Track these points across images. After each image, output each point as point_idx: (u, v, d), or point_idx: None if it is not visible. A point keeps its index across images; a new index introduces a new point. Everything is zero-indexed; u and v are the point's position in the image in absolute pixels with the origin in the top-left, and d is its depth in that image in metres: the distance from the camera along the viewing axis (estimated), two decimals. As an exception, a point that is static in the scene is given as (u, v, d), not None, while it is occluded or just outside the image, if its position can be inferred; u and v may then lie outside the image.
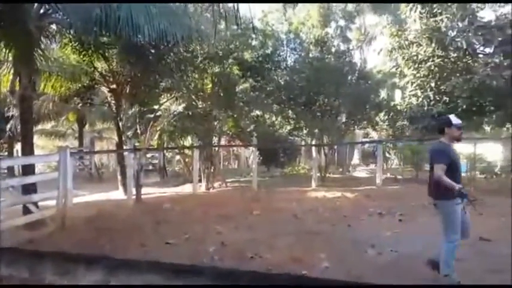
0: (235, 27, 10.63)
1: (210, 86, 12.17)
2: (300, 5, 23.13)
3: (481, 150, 12.98)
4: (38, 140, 18.76)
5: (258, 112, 13.81)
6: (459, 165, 4.22)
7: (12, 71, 8.15)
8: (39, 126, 18.08)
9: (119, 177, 11.21)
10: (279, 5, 23.82)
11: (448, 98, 11.10)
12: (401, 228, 6.29)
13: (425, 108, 11.33)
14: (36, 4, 7.44)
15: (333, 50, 13.63)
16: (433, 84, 11.26)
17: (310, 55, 13.19)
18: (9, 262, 1.22)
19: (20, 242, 5.38)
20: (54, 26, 8.43)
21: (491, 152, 13.77)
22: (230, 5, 6.98)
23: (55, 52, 10.35)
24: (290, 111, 13.18)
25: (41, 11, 7.62)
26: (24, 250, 1.50)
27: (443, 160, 3.96)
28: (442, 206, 4.01)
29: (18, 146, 17.73)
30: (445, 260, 3.94)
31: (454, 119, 4.17)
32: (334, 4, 22.75)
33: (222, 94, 11.89)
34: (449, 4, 10.93)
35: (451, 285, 3.89)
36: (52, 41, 9.03)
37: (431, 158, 4.19)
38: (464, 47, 10.38)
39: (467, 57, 11.01)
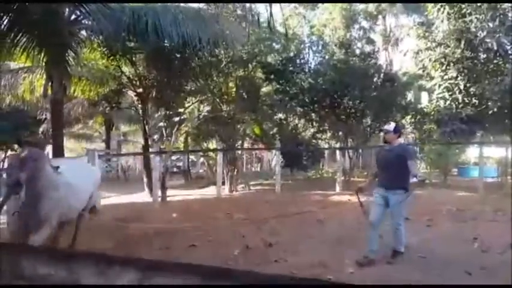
0: (257, 30, 10.70)
1: (234, 89, 12.26)
2: (322, 7, 23.02)
3: (513, 155, 12.51)
4: (67, 143, 19.32)
5: (281, 115, 13.80)
6: (384, 164, 4.99)
7: (44, 76, 8.45)
8: (68, 129, 18.64)
9: (145, 180, 11.40)
10: (300, 9, 23.80)
11: (477, 101, 10.78)
12: (430, 233, 6.14)
13: (454, 111, 11.03)
14: (67, 11, 7.71)
15: (358, 52, 13.47)
16: (461, 87, 10.95)
17: (334, 57, 13.07)
18: (45, 261, 1.26)
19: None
20: (84, 32, 8.70)
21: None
22: (261, 9, 7.03)
23: (84, 57, 10.67)
24: (313, 114, 13.09)
25: (72, 17, 7.89)
26: (59, 250, 1.55)
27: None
28: None
29: (48, 148, 18.34)
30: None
31: (386, 125, 5.15)
32: (356, 5, 22.51)
33: (245, 97, 11.95)
34: (479, 4, 10.61)
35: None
36: (82, 46, 9.32)
37: None
38: (495, 48, 10.07)
39: (498, 58, 10.66)
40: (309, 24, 22.07)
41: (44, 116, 14.21)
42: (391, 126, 5.02)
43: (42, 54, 7.71)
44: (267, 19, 6.38)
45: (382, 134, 5.19)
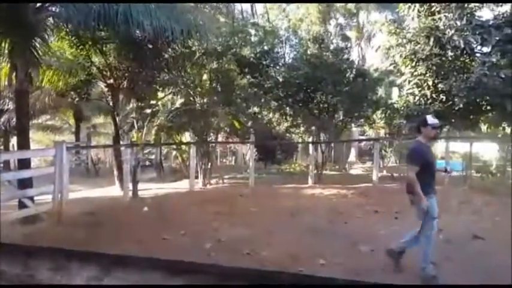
0: (235, 23, 10.62)
1: (208, 82, 12.14)
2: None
3: (477, 149, 13.02)
4: (33, 135, 18.64)
5: (255, 109, 13.79)
6: (433, 165, 4.35)
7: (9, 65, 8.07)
8: (35, 121, 17.99)
9: (116, 173, 11.18)
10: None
11: (445, 97, 11.10)
12: (398, 225, 6.30)
13: (423, 106, 11.32)
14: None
15: (331, 47, 13.60)
16: (430, 83, 11.25)
17: (309, 52, 13.16)
18: (3, 257, 1.21)
19: (15, 236, 5.36)
20: (51, 19, 8.36)
21: (487, 151, 13.83)
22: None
23: (52, 46, 10.28)
24: (288, 108, 13.17)
25: (38, 4, 7.56)
26: (18, 245, 1.48)
27: (415, 162, 4.16)
28: (417, 202, 4.21)
29: (14, 140, 17.67)
30: (424, 253, 4.16)
31: (430, 118, 4.30)
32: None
33: (220, 90, 11.86)
34: (447, 3, 10.91)
35: (452, 285, 3.92)
36: (49, 34, 8.95)
37: (406, 157, 4.40)
38: (462, 46, 10.38)
39: (465, 56, 11.01)
40: (286, 18, 22.13)
41: (7, 106, 13.63)
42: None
43: (6, 42, 7.37)
44: (249, 8, 6.33)
45: (429, 129, 4.21)
